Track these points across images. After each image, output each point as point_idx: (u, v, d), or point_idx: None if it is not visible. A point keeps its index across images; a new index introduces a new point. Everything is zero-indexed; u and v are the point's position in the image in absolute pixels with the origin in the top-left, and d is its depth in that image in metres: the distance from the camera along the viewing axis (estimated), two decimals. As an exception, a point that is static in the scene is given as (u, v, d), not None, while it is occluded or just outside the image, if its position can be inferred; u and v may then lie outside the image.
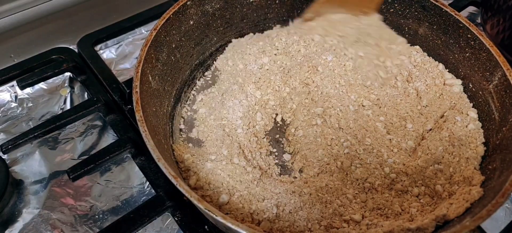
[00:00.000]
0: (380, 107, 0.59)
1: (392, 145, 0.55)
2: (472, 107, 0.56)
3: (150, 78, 0.53)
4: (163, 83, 0.56)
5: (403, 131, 0.56)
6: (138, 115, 0.46)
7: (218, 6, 0.64)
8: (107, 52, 0.72)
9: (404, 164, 0.53)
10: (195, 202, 0.40)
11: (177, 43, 0.59)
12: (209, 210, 0.39)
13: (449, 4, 0.61)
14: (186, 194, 0.40)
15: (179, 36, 0.59)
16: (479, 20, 0.80)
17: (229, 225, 0.38)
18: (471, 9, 0.84)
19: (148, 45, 0.53)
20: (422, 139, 0.55)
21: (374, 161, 0.53)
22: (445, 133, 0.54)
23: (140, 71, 0.50)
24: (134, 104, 0.47)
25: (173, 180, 0.41)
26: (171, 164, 0.47)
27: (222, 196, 0.48)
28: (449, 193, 0.49)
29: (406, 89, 0.60)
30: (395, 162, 0.53)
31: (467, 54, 0.57)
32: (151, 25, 0.76)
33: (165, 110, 0.56)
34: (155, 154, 0.43)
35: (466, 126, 0.54)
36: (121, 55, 0.72)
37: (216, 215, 0.39)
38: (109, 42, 0.73)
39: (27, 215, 0.52)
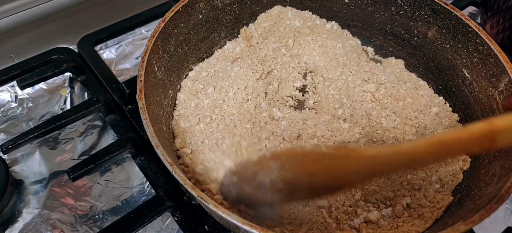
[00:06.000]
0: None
1: None
2: (477, 112, 0.56)
3: (156, 68, 0.53)
4: (169, 74, 0.57)
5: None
6: (141, 103, 0.46)
7: (228, 1, 0.64)
8: (107, 52, 0.72)
9: None
10: (189, 189, 0.40)
11: (185, 36, 0.59)
12: (201, 198, 0.39)
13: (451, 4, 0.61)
14: (181, 181, 0.41)
15: (188, 29, 0.60)
16: (479, 20, 0.80)
17: (220, 213, 0.38)
18: (471, 9, 0.84)
19: (155, 36, 0.53)
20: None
21: None
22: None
23: (146, 60, 0.50)
24: (138, 92, 0.47)
25: (169, 167, 0.41)
26: (170, 153, 0.47)
27: (198, 166, 0.50)
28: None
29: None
30: None
31: (475, 59, 0.57)
32: (151, 25, 0.76)
33: (169, 101, 0.56)
34: (154, 141, 0.43)
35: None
36: (121, 55, 0.72)
37: (208, 203, 0.39)
38: (109, 42, 0.73)
39: (27, 215, 0.52)
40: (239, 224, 0.38)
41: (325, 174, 0.42)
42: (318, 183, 0.42)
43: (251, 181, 0.44)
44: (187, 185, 0.40)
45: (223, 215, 0.38)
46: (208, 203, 0.39)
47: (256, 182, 0.43)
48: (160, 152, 0.42)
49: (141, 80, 0.48)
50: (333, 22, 0.69)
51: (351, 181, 0.43)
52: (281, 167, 0.42)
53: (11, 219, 0.52)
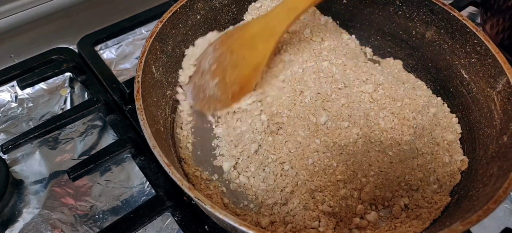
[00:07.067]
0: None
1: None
2: (475, 113, 0.57)
3: (154, 69, 0.53)
4: (167, 75, 0.57)
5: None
6: (138, 104, 0.46)
7: (226, 2, 0.64)
8: (107, 52, 0.72)
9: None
10: (186, 190, 0.40)
11: (183, 36, 0.59)
12: (198, 199, 0.40)
13: (449, 5, 0.61)
14: (178, 182, 0.41)
15: (186, 30, 0.60)
16: (478, 20, 0.80)
17: (217, 214, 0.39)
18: (470, 9, 0.84)
19: (153, 37, 0.53)
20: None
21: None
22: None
23: (143, 61, 0.50)
24: (135, 92, 0.47)
25: (166, 168, 0.42)
26: (168, 153, 0.48)
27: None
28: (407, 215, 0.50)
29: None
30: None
31: (473, 60, 0.57)
32: (151, 25, 0.76)
33: (167, 101, 0.57)
34: (151, 142, 0.43)
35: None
36: (121, 55, 0.72)
37: (205, 204, 0.39)
38: (109, 42, 0.73)
39: (27, 215, 0.52)
40: (237, 225, 0.38)
41: (239, 43, 0.55)
42: (237, 55, 0.55)
43: (198, 71, 0.56)
44: (184, 185, 0.40)
45: (220, 216, 0.38)
46: (205, 204, 0.39)
47: (201, 69, 0.56)
48: (157, 152, 0.42)
49: (138, 81, 0.48)
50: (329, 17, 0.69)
51: (257, 45, 0.55)
52: (213, 49, 0.56)
53: (11, 219, 0.52)
